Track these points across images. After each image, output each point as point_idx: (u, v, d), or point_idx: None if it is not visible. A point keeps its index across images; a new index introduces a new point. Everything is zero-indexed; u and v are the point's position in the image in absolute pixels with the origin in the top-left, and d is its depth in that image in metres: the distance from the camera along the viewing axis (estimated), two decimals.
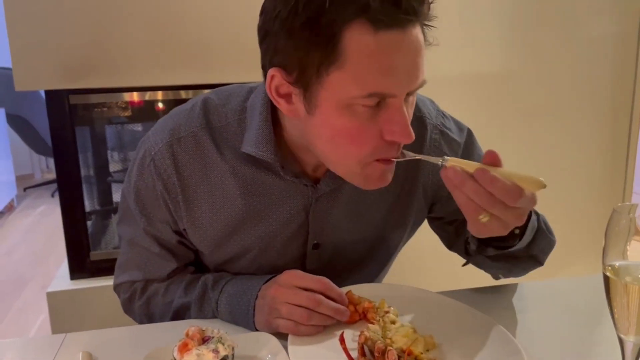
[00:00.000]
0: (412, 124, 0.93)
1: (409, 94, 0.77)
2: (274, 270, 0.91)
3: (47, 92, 1.74)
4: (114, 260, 1.89)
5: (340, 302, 0.83)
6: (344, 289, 0.87)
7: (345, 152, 0.78)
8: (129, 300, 0.98)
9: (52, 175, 5.11)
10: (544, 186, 0.69)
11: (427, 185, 1.00)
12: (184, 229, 0.93)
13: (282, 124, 0.88)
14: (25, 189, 4.78)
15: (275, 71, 0.77)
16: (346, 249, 0.99)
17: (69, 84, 1.71)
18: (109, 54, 1.72)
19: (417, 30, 0.74)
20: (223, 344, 0.71)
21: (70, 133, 1.79)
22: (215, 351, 0.70)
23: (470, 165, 0.71)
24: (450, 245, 1.06)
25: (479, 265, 0.98)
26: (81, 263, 1.91)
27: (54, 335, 0.87)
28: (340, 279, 0.92)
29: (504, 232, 0.75)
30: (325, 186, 0.92)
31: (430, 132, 0.98)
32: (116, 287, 1.02)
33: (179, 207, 0.91)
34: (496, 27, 2.08)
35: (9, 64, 4.69)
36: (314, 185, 0.91)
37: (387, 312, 0.83)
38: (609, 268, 0.59)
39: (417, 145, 0.95)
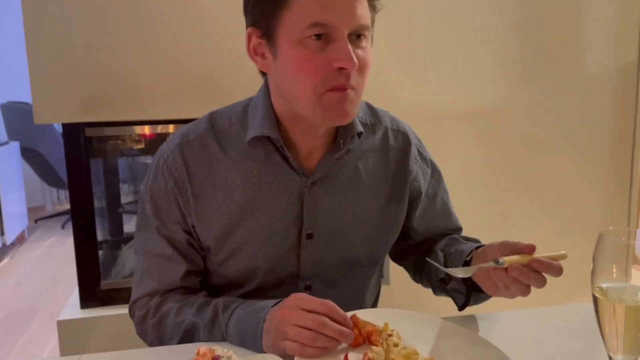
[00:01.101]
0: (398, 137, 1.10)
1: (355, 38, 0.91)
2: (274, 262, 1.02)
3: (64, 125, 1.81)
4: (124, 289, 1.95)
5: (344, 324, 0.86)
6: (349, 314, 0.90)
7: (302, 83, 0.91)
8: (143, 319, 1.02)
9: (63, 207, 5.19)
10: (566, 256, 0.87)
11: (412, 189, 1.12)
12: (193, 226, 1.02)
13: (277, 111, 1.00)
14: (36, 221, 4.84)
15: (250, 30, 0.96)
16: (340, 244, 1.06)
17: (85, 117, 1.78)
18: (123, 89, 1.80)
19: None
20: None
21: (85, 164, 1.85)
22: None
23: (521, 259, 0.86)
24: (398, 259, 1.24)
25: (450, 292, 1.08)
26: (92, 292, 1.94)
27: (70, 357, 0.90)
28: (335, 280, 1.01)
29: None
30: (316, 173, 1.02)
31: (413, 148, 1.12)
32: (132, 306, 1.06)
33: (188, 202, 1.00)
34: (498, 63, 2.14)
35: (24, 99, 4.80)
36: (306, 175, 1.01)
37: (390, 335, 0.86)
38: (598, 289, 0.62)
39: (404, 156, 1.10)
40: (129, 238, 2.19)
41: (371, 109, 1.13)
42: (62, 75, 1.75)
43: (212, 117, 1.05)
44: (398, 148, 1.11)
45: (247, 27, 0.97)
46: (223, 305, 0.96)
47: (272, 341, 0.87)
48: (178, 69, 1.82)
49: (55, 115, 1.79)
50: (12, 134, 4.39)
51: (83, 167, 1.85)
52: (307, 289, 1.06)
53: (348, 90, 0.91)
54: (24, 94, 4.87)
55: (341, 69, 0.88)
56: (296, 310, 0.86)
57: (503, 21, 2.11)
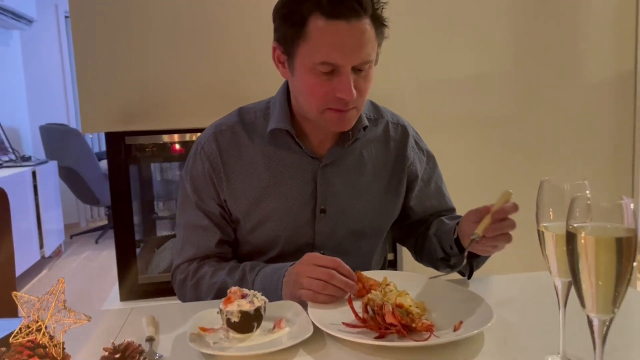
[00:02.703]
0: (397, 129, 1.29)
1: (358, 69, 1.07)
2: (293, 232, 1.20)
3: (107, 134, 2.04)
4: (160, 283, 2.15)
5: (350, 277, 1.03)
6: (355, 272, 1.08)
7: (309, 100, 1.13)
8: (183, 281, 1.21)
9: (96, 224, 5.45)
10: (510, 193, 1.06)
11: (409, 173, 1.30)
12: (225, 200, 1.21)
13: (293, 108, 1.20)
14: (71, 236, 5.10)
15: (275, 44, 1.15)
16: (348, 218, 1.24)
17: (125, 126, 2.01)
18: (159, 101, 2.03)
19: (362, 22, 1.05)
20: (257, 298, 0.92)
21: (125, 169, 2.07)
22: (251, 302, 0.91)
23: (486, 220, 1.04)
24: (401, 239, 1.41)
25: (455, 266, 1.23)
26: (130, 286, 2.15)
27: (123, 309, 1.09)
28: (345, 249, 1.18)
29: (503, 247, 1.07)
30: (327, 158, 1.21)
31: (410, 139, 1.31)
32: (174, 272, 1.25)
33: (221, 181, 1.21)
34: (502, 73, 2.31)
35: (62, 121, 5.09)
36: (319, 159, 1.21)
37: (387, 285, 1.04)
38: (542, 226, 0.79)
39: (403, 145, 1.30)
40: (163, 239, 2.41)
41: (374, 105, 1.33)
42: (105, 91, 1.99)
43: (240, 112, 1.26)
44: (397, 138, 1.30)
45: (274, 39, 1.16)
46: (250, 267, 1.15)
47: (290, 290, 1.05)
48: (208, 83, 2.04)
49: (99, 126, 2.02)
50: (50, 154, 4.67)
51: (123, 172, 2.07)
52: None
53: (345, 113, 1.12)
54: (60, 116, 5.20)
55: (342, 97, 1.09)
56: (309, 265, 1.04)
57: (507, 34, 2.29)
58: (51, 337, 0.70)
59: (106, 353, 0.77)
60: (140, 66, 2.00)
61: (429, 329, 0.90)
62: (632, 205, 0.64)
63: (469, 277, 1.21)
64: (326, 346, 0.90)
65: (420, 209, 1.33)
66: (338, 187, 1.23)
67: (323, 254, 1.22)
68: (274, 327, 0.94)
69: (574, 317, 0.79)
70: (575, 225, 0.65)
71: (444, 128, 2.27)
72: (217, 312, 0.94)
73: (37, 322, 0.69)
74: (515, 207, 1.04)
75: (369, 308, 0.96)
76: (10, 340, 0.70)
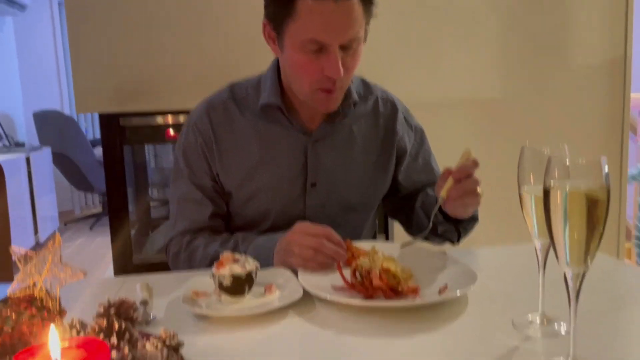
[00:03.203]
0: (387, 105, 1.32)
1: (346, 47, 1.09)
2: (284, 206, 1.22)
3: (101, 116, 2.05)
4: (154, 264, 2.17)
5: (339, 246, 1.06)
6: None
7: (299, 79, 1.16)
8: (177, 253, 1.24)
9: (90, 211, 5.47)
10: (470, 151, 1.10)
11: (398, 148, 1.33)
12: (217, 174, 1.24)
13: (284, 84, 1.22)
14: (65, 223, 5.12)
15: (265, 21, 1.16)
16: (339, 192, 1.27)
17: (119, 107, 2.03)
18: (152, 83, 2.04)
19: (349, 1, 1.05)
20: (249, 262, 0.95)
21: (119, 151, 2.09)
22: (243, 266, 0.94)
23: (450, 181, 1.09)
24: (393, 213, 1.44)
25: (443, 234, 1.27)
26: (125, 266, 2.17)
27: (118, 277, 1.12)
28: (335, 222, 1.19)
29: (477, 206, 1.12)
30: (317, 134, 1.23)
31: (400, 114, 1.33)
32: (168, 244, 1.27)
33: (214, 154, 1.23)
34: (493, 57, 2.33)
35: (56, 107, 5.11)
36: (309, 134, 1.23)
37: (376, 252, 1.07)
38: (523, 189, 0.82)
39: (392, 120, 1.32)
40: (157, 220, 2.43)
41: (365, 83, 1.35)
42: (99, 70, 2.00)
43: (232, 88, 1.29)
44: (386, 114, 1.33)
45: (264, 16, 1.17)
46: (242, 238, 1.18)
47: (281, 258, 1.08)
48: (202, 64, 2.06)
49: (93, 106, 2.03)
50: (44, 140, 4.67)
51: (117, 153, 2.08)
52: None
53: (333, 93, 1.15)
54: (54, 103, 5.20)
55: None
56: (300, 234, 1.07)
57: (497, 18, 2.31)
58: (48, 292, 0.73)
59: (101, 308, 0.80)
60: (134, 45, 2.01)
61: (415, 291, 0.93)
62: (606, 167, 0.67)
63: (458, 240, 1.25)
64: (315, 308, 0.93)
65: (408, 183, 1.36)
66: (328, 162, 1.26)
67: None
68: (265, 292, 0.97)
69: (552, 282, 0.83)
70: (551, 182, 0.68)
71: (433, 111, 2.28)
72: (210, 277, 0.96)
73: (34, 276, 0.72)
74: (474, 164, 1.07)
75: (357, 273, 0.99)
76: (8, 293, 0.72)
